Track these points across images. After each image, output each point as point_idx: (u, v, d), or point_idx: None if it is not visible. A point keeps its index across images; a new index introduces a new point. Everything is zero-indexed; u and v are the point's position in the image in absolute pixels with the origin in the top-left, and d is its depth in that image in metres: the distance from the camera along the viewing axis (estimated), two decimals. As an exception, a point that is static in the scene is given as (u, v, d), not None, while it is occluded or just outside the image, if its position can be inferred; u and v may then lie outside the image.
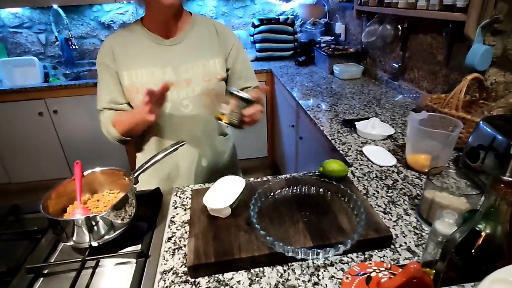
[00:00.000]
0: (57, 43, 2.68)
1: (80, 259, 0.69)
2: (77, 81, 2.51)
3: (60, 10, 2.51)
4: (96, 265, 0.72)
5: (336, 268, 0.65)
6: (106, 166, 0.85)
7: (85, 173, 0.84)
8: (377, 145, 1.15)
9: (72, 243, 0.71)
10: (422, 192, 0.82)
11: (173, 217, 0.83)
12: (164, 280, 0.64)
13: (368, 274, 0.51)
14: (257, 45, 2.74)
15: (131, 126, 0.95)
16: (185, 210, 0.86)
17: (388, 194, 0.88)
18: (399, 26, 1.73)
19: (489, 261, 0.45)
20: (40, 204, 0.73)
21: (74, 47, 2.67)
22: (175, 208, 0.87)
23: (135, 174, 0.82)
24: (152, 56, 0.97)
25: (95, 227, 0.70)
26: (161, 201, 0.91)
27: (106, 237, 0.72)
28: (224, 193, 0.79)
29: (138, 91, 0.96)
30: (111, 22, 2.79)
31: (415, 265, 0.41)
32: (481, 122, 0.94)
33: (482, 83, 1.16)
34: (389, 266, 0.54)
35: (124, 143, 1.03)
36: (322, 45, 2.53)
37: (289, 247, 0.63)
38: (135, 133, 0.99)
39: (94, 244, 0.71)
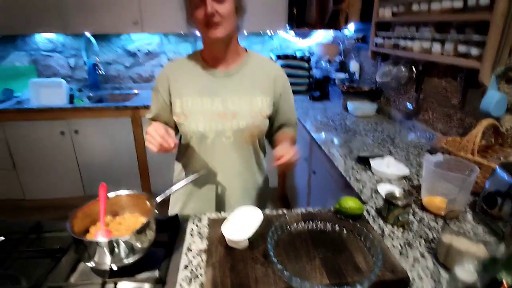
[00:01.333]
0: (85, 67, 2.84)
1: (100, 281, 0.71)
2: (99, 103, 2.62)
3: (92, 38, 2.68)
4: (114, 288, 0.73)
5: (352, 308, 0.64)
6: (119, 188, 0.88)
7: (109, 195, 0.87)
8: (392, 184, 1.16)
9: (93, 264, 0.73)
10: (439, 235, 0.82)
11: (190, 245, 0.85)
12: (181, 309, 0.65)
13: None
14: (274, 78, 2.84)
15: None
16: (201, 238, 0.87)
17: (404, 236, 0.88)
18: (413, 68, 1.79)
19: (511, 312, 0.45)
20: (66, 222, 0.76)
21: (100, 72, 2.82)
22: (192, 236, 0.89)
23: (158, 200, 0.85)
24: (204, 86, 1.03)
25: (117, 250, 0.72)
26: (179, 227, 0.92)
27: (126, 261, 0.74)
28: (242, 224, 0.81)
29: (186, 117, 1.01)
30: (137, 50, 2.95)
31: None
32: (497, 168, 0.95)
33: (497, 128, 1.18)
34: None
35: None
36: (337, 81, 2.61)
37: (306, 283, 0.64)
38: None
39: (114, 267, 0.73)
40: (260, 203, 1.17)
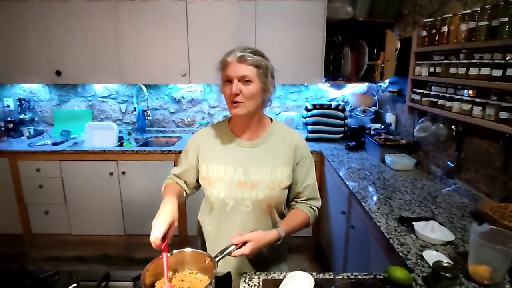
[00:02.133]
0: (134, 112, 3.11)
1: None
2: (145, 147, 2.83)
3: (143, 87, 2.97)
4: None
5: None
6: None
7: (175, 251, 0.95)
8: (438, 251, 1.16)
9: None
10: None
11: (243, 306, 0.90)
12: None
13: None
14: (309, 127, 2.94)
15: None
16: (253, 299, 0.92)
17: (456, 311, 0.88)
18: (453, 127, 1.81)
19: None
20: (141, 274, 0.85)
21: (148, 117, 3.07)
22: (244, 295, 0.94)
23: (217, 259, 0.92)
24: (229, 155, 1.11)
25: None
26: (231, 286, 0.98)
27: None
28: (295, 289, 0.85)
29: (210, 183, 1.11)
30: (182, 98, 3.20)
31: None
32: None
33: (547, 198, 1.17)
34: None
35: None
36: (372, 132, 2.66)
37: None
38: None
39: None
40: (276, 267, 1.20)
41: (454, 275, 0.92)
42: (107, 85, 3.16)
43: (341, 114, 2.94)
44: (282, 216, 1.19)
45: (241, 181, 1.09)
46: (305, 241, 2.85)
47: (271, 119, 1.19)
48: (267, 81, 1.05)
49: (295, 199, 1.18)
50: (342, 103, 3.04)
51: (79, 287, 1.00)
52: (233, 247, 0.94)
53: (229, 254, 0.94)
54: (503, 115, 1.38)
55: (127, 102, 3.21)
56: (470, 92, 1.61)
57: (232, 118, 1.16)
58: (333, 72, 2.84)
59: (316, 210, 1.18)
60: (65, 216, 2.80)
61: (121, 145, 2.89)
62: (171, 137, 3.15)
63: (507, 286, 0.83)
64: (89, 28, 2.67)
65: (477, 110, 1.54)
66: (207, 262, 0.93)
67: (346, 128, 2.96)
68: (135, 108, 3.09)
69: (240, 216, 1.11)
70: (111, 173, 2.69)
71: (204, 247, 1.21)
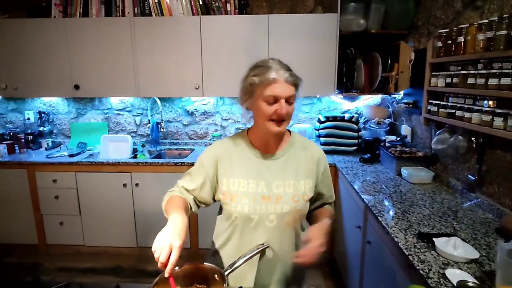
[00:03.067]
0: (148, 125, 3.15)
1: None
2: (158, 159, 2.85)
3: (158, 99, 3.02)
4: None
5: None
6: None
7: (184, 267, 0.93)
8: (461, 269, 1.10)
9: None
10: None
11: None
12: None
13: None
14: (322, 139, 2.91)
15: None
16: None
17: (484, 336, 0.81)
18: (473, 139, 1.75)
19: None
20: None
21: (162, 129, 3.11)
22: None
23: (227, 273, 0.90)
24: (250, 168, 1.09)
25: None
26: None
27: None
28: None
29: (232, 198, 1.07)
30: (195, 110, 3.24)
31: None
32: None
33: None
34: None
35: None
36: (387, 144, 2.60)
37: None
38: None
39: None
40: (297, 282, 1.18)
41: None
42: (122, 98, 3.23)
43: (354, 126, 2.89)
44: (302, 229, 1.18)
45: (265, 195, 1.06)
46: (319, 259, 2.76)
47: (289, 131, 1.18)
48: (298, 98, 1.06)
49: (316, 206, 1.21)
50: (355, 115, 3.00)
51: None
52: (241, 260, 0.92)
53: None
54: (527, 126, 1.33)
55: (141, 115, 3.27)
56: (491, 102, 1.55)
57: (256, 133, 1.12)
58: (346, 84, 2.81)
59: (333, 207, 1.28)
60: (79, 227, 2.82)
61: (135, 157, 2.93)
62: (184, 149, 3.17)
63: None
64: (106, 44, 2.75)
65: (498, 121, 1.48)
66: (216, 276, 0.90)
67: (360, 140, 2.91)
68: (149, 120, 3.13)
69: (265, 231, 1.07)
70: (124, 185, 2.72)
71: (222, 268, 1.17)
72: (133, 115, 3.28)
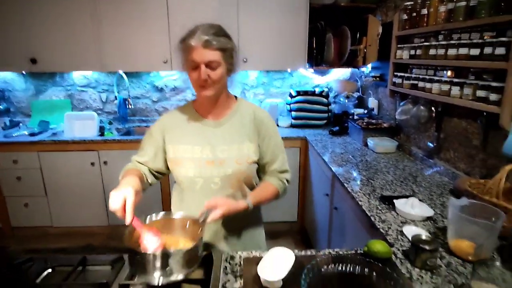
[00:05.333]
0: (115, 101, 3.03)
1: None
2: (127, 136, 2.77)
3: (124, 75, 2.89)
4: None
5: None
6: (142, 217, 0.94)
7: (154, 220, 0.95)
8: (417, 226, 1.18)
9: (143, 279, 0.79)
10: (469, 282, 0.83)
11: (225, 283, 0.89)
12: None
13: None
14: (293, 113, 2.94)
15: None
16: (235, 276, 0.92)
17: (433, 281, 0.89)
18: (433, 108, 1.84)
19: None
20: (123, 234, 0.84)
21: (130, 106, 3.00)
22: (226, 274, 0.93)
23: (201, 221, 0.92)
24: (196, 135, 1.12)
25: (170, 261, 0.77)
26: (212, 265, 0.97)
27: (175, 276, 0.79)
28: (275, 265, 0.85)
29: (178, 164, 1.11)
30: (164, 86, 3.14)
31: None
32: (524, 214, 0.97)
33: (521, 172, 1.20)
34: None
35: None
36: (355, 117, 2.68)
37: (341, 328, 0.67)
38: None
39: (162, 281, 0.77)
40: (252, 245, 1.20)
41: (433, 248, 0.93)
42: (86, 73, 3.06)
43: (325, 100, 2.94)
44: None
45: (209, 159, 1.10)
46: (291, 226, 2.87)
47: (235, 96, 1.21)
48: (232, 62, 1.07)
49: (266, 173, 1.21)
50: (326, 90, 3.04)
51: (54, 273, 0.97)
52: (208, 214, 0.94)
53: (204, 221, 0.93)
54: (481, 93, 1.41)
55: (107, 91, 3.13)
56: (449, 73, 1.63)
57: (197, 99, 1.17)
58: (317, 58, 2.83)
59: (286, 183, 1.20)
60: (45, 208, 2.72)
61: (102, 135, 2.82)
62: (154, 126, 3.09)
63: (497, 263, 0.85)
64: (66, 14, 2.56)
65: (455, 90, 1.56)
66: (187, 225, 0.92)
67: (330, 114, 2.98)
68: (115, 97, 3.01)
69: (210, 194, 1.10)
70: (92, 163, 2.63)
71: None
72: (99, 92, 3.13)
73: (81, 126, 2.82)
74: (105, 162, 2.63)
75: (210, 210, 0.95)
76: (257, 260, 0.89)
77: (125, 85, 3.02)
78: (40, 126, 2.90)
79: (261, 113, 1.18)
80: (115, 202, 0.85)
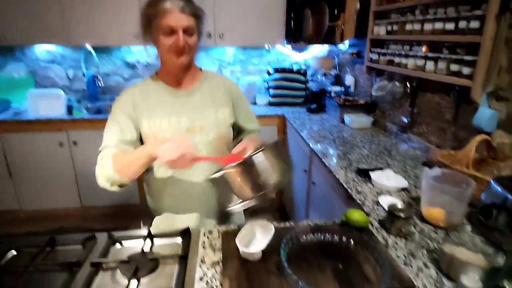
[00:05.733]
0: (83, 79, 2.85)
1: (120, 294, 0.73)
2: (98, 115, 2.64)
3: (92, 50, 2.71)
4: (132, 301, 0.75)
5: (363, 317, 0.68)
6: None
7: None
8: (392, 196, 1.21)
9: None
10: (440, 246, 0.87)
11: (203, 257, 0.87)
12: (201, 320, 0.68)
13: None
14: (271, 91, 2.91)
15: (137, 162, 0.93)
16: (214, 250, 0.90)
17: (407, 247, 0.92)
18: (408, 84, 1.87)
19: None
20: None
21: (99, 83, 2.84)
22: (204, 248, 0.91)
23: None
24: (168, 106, 1.07)
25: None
26: (190, 240, 0.95)
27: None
28: (254, 237, 0.84)
29: (155, 137, 1.05)
30: (136, 62, 2.99)
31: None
32: (492, 181, 1.01)
33: (489, 143, 1.25)
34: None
35: (116, 185, 0.98)
36: (333, 94, 2.69)
37: (321, 293, 0.67)
38: (132, 172, 0.95)
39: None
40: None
41: (407, 215, 0.96)
42: (50, 48, 2.84)
43: (302, 78, 2.92)
44: None
45: (188, 127, 1.07)
46: (269, 203, 2.90)
47: (200, 68, 1.18)
48: (202, 31, 1.05)
49: (243, 134, 1.25)
50: (303, 67, 3.02)
51: (20, 255, 0.91)
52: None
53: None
54: (454, 67, 1.43)
55: (74, 67, 2.94)
56: (424, 48, 1.64)
57: (165, 70, 1.09)
58: (295, 34, 2.78)
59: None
60: (11, 191, 2.58)
61: (70, 114, 2.66)
62: (126, 105, 2.96)
63: (468, 227, 0.88)
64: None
65: (430, 65, 1.58)
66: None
67: (307, 92, 2.97)
68: (84, 74, 2.83)
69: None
70: (61, 144, 2.49)
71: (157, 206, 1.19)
72: (65, 68, 2.93)
73: (47, 105, 2.64)
74: (74, 143, 2.50)
75: (243, 151, 0.92)
76: (236, 233, 0.88)
77: (94, 61, 2.84)
78: (0, 105, 2.69)
79: (229, 81, 1.21)
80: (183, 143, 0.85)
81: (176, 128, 1.07)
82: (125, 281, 0.77)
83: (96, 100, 2.92)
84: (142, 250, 0.88)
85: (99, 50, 2.86)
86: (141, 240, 0.94)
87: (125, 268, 0.82)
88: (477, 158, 1.31)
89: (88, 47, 2.66)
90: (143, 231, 0.97)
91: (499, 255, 0.82)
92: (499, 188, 0.96)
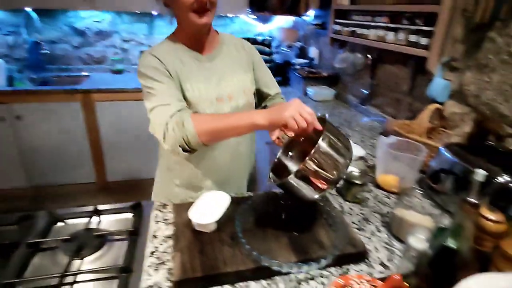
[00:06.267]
0: (25, 46, 2.56)
1: (59, 274, 0.67)
2: (44, 86, 2.40)
3: (33, 14, 2.42)
4: (75, 281, 0.69)
5: (316, 281, 0.69)
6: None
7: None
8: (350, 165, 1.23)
9: None
10: (392, 210, 0.89)
11: (155, 232, 0.83)
12: (149, 295, 0.64)
13: (351, 286, 0.55)
14: (234, 62, 2.81)
15: (233, 130, 0.83)
16: (167, 224, 0.86)
17: (362, 212, 0.94)
18: (368, 56, 1.87)
19: (457, 272, 0.51)
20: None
21: (44, 51, 2.56)
22: (157, 222, 0.87)
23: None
24: (195, 72, 0.96)
25: None
26: (142, 215, 0.90)
27: None
28: (209, 208, 0.80)
29: (191, 106, 0.94)
30: (86, 29, 2.72)
31: (398, 277, 0.46)
32: (441, 148, 1.05)
33: (441, 113, 1.30)
34: (369, 278, 0.59)
35: (188, 150, 0.86)
36: (297, 67, 2.65)
37: (274, 261, 0.66)
38: (221, 138, 0.91)
39: None
40: (253, 182, 1.20)
41: (362, 182, 0.97)
42: (-19, 9, 2.50)
43: (267, 49, 2.84)
44: None
45: (218, 97, 0.98)
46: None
47: (215, 30, 1.06)
48: None
49: (266, 100, 1.15)
50: (268, 38, 2.93)
51: None
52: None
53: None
54: (412, 38, 1.45)
55: (14, 33, 2.61)
56: (384, 18, 1.64)
57: (185, 32, 0.96)
58: (259, 3, 2.67)
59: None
60: None
61: (11, 85, 2.40)
62: (78, 76, 2.72)
63: (417, 192, 0.91)
64: None
65: (390, 36, 1.58)
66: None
67: (272, 64, 2.90)
68: (25, 40, 2.54)
69: None
70: (2, 118, 2.25)
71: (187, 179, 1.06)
72: (4, 34, 2.60)
73: (-17, 75, 2.36)
74: (18, 117, 2.27)
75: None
76: (189, 206, 0.83)
77: (36, 26, 2.55)
78: None
79: (248, 44, 1.12)
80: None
81: (206, 97, 0.96)
82: (66, 261, 0.71)
83: (41, 70, 2.65)
84: (87, 227, 0.82)
85: (41, 14, 2.56)
86: (88, 218, 0.87)
87: (67, 247, 0.76)
88: (430, 127, 1.36)
89: (28, 10, 2.36)
90: (89, 207, 0.90)
91: (445, 216, 0.86)
92: (447, 154, 1.00)
